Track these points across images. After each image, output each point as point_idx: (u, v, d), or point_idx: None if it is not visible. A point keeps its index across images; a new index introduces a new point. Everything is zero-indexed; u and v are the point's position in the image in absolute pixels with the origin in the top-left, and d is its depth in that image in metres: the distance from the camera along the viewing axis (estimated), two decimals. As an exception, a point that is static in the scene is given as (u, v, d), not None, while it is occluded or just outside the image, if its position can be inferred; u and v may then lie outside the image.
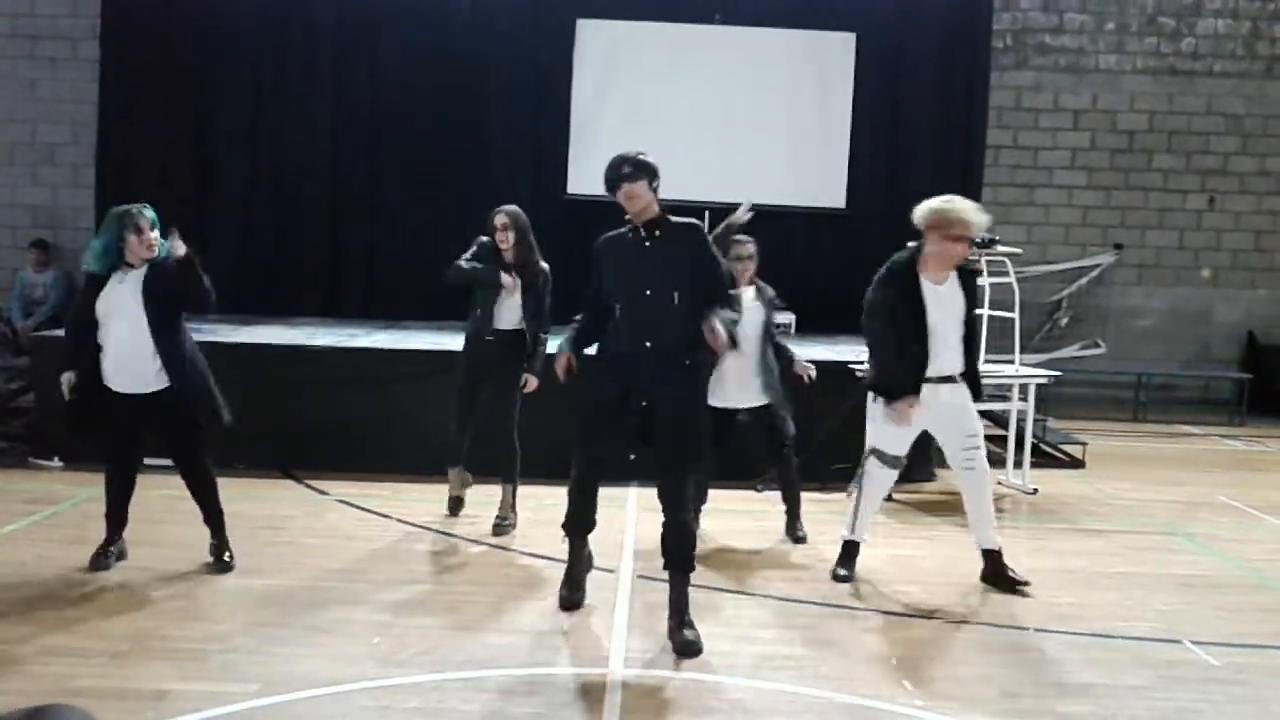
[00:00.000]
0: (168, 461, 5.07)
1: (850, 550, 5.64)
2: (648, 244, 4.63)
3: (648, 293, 4.57)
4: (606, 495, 6.92)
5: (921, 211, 5.31)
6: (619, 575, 5.48)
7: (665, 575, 4.68)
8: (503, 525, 6.25)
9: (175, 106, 11.05)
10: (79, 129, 11.48)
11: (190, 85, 11.06)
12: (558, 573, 5.50)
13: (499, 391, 6.26)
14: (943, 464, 8.39)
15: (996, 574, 5.53)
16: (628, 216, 4.68)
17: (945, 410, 5.38)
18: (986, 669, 4.46)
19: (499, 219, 6.25)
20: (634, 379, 4.62)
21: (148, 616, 4.71)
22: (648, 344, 4.57)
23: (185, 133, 11.09)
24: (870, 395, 5.53)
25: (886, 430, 5.42)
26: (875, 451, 5.52)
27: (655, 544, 5.67)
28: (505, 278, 6.19)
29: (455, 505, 6.61)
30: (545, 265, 6.31)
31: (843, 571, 5.58)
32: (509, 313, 6.23)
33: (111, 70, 11.16)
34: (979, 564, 5.69)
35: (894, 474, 5.59)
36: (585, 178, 11.08)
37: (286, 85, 11.16)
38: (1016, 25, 11.98)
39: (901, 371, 5.26)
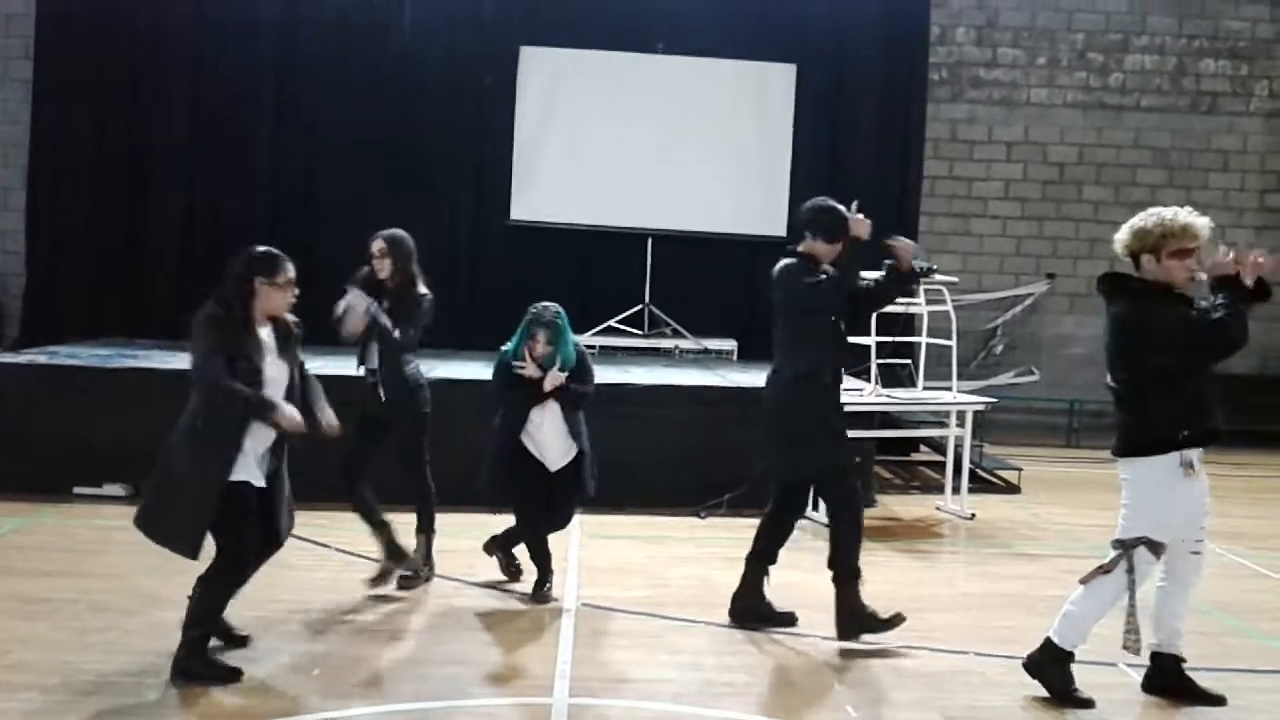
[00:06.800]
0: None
1: (1066, 658, 4.42)
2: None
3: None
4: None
5: (1130, 236, 4.43)
6: (563, 602, 5.45)
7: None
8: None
9: (109, 129, 10.87)
10: (10, 150, 11.26)
11: (125, 107, 10.89)
12: (500, 603, 5.46)
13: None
14: (882, 490, 8.53)
15: (1178, 684, 4.45)
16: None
17: (1203, 477, 4.32)
18: (928, 693, 4.50)
19: (376, 244, 5.86)
20: None
21: (77, 650, 4.58)
22: None
23: (119, 156, 10.90)
24: (1126, 465, 4.33)
25: (1172, 509, 4.23)
26: (1147, 542, 4.23)
27: (598, 571, 5.69)
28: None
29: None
30: (425, 292, 5.80)
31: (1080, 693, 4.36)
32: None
33: (44, 91, 10.96)
34: (917, 589, 5.75)
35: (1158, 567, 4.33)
36: (528, 204, 11.07)
37: (223, 108, 11.03)
38: (952, 59, 12.24)
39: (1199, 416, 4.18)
